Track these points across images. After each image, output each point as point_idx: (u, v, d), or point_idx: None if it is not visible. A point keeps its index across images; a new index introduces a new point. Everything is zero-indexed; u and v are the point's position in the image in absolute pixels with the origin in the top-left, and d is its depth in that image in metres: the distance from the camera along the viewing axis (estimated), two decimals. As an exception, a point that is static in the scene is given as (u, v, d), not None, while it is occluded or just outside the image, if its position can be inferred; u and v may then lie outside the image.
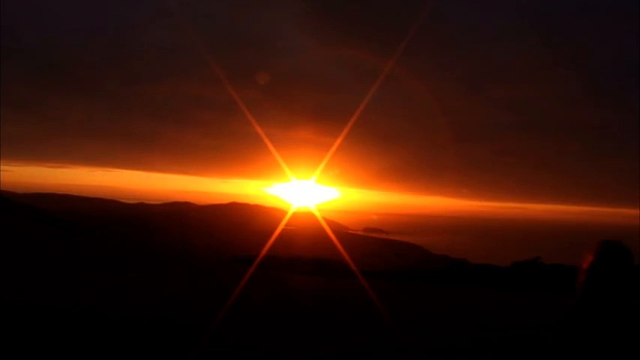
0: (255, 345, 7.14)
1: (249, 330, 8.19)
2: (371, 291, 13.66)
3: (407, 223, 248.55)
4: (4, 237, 22.26)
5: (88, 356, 5.89)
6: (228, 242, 76.78)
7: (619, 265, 2.11)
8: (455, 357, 7.19)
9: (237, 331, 7.85)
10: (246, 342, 7.22)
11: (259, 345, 7.16)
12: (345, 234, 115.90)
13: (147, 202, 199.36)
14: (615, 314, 2.10)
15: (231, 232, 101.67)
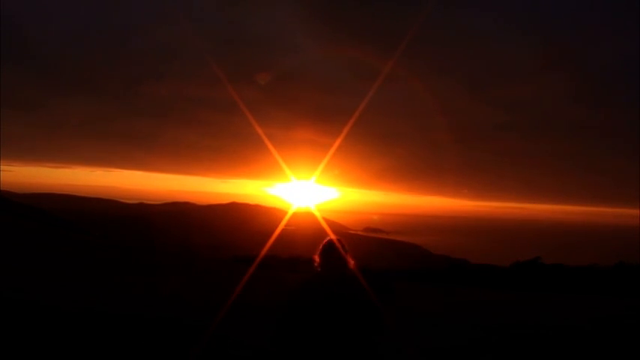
0: (255, 344, 7.14)
1: (250, 329, 8.19)
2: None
3: (407, 223, 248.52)
4: (4, 237, 22.25)
5: (88, 355, 5.89)
6: (228, 242, 76.80)
7: (334, 252, 3.32)
8: (455, 357, 7.19)
9: (237, 330, 7.85)
10: (246, 341, 7.22)
11: (259, 344, 7.17)
12: (345, 234, 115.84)
13: (147, 202, 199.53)
14: (333, 284, 3.29)
15: (231, 232, 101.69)
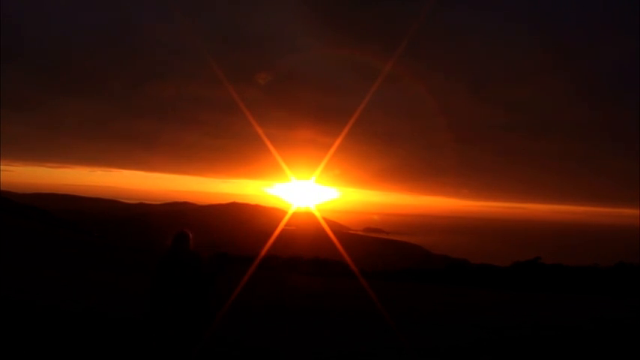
0: (255, 344, 7.14)
1: (249, 329, 8.19)
2: (371, 291, 13.65)
3: (407, 223, 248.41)
4: (4, 237, 22.26)
5: (88, 355, 5.89)
6: (228, 242, 76.77)
7: (180, 240, 4.98)
8: (455, 357, 7.19)
9: (237, 330, 7.85)
10: (246, 341, 7.22)
11: (259, 344, 7.16)
12: (345, 234, 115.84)
13: (147, 202, 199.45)
14: (179, 261, 4.91)
15: (231, 232, 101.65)
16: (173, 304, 4.79)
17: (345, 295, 14.91)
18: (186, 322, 4.86)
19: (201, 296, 4.94)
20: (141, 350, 5.90)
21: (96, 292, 11.15)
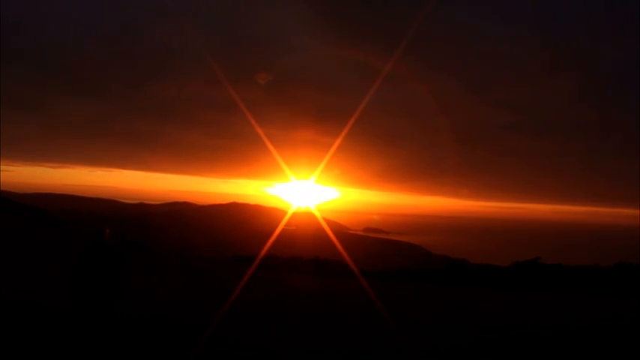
0: (255, 344, 7.14)
1: (249, 329, 8.19)
2: (371, 291, 13.66)
3: (407, 223, 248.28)
4: (4, 237, 22.24)
5: (88, 355, 5.88)
6: (228, 242, 76.75)
7: (99, 237, 6.09)
8: (455, 357, 7.19)
9: (237, 330, 7.85)
10: (246, 341, 7.22)
11: (259, 344, 7.16)
12: (345, 234, 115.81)
13: (147, 202, 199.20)
14: (96, 254, 5.99)
15: (231, 232, 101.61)
16: (92, 291, 5.81)
17: (345, 295, 14.91)
18: (103, 303, 5.92)
19: (113, 280, 5.99)
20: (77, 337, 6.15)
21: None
